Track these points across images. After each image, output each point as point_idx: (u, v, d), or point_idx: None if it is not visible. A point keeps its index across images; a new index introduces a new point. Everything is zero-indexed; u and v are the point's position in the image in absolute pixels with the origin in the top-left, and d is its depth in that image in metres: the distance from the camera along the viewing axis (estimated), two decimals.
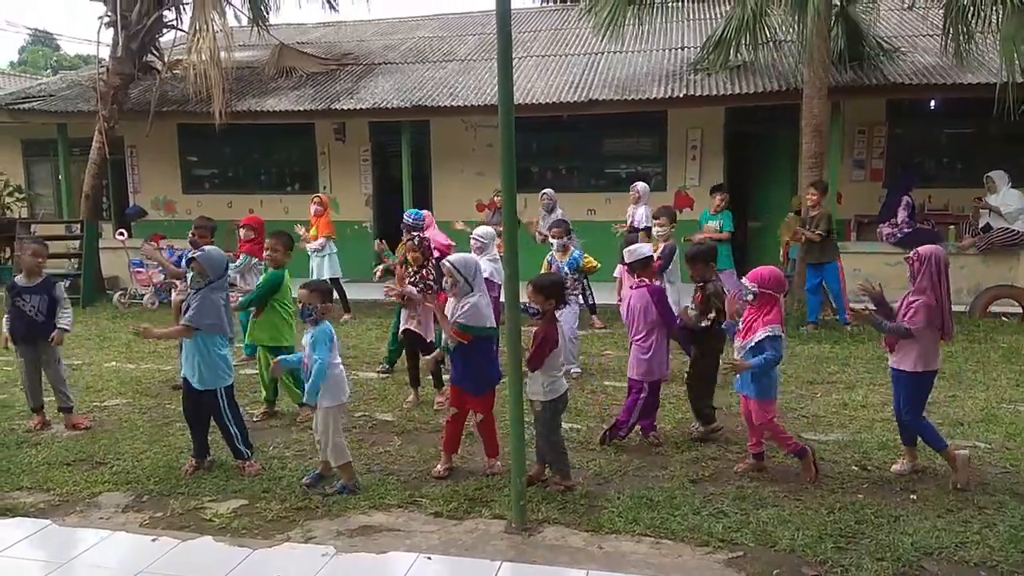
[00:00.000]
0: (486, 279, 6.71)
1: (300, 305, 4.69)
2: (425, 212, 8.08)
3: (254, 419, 6.06)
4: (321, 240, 9.96)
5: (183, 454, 5.28)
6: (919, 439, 4.79)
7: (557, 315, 4.77)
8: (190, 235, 7.44)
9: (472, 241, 7.06)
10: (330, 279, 9.88)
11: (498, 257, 7.09)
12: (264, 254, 6.24)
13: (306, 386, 4.62)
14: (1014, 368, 7.14)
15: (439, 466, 4.94)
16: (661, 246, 7.17)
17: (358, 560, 3.89)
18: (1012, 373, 7.00)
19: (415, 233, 6.88)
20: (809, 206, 8.94)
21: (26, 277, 5.89)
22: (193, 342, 4.89)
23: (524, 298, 4.59)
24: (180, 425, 5.78)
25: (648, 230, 9.30)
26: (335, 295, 10.08)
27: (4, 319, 5.91)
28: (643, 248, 5.74)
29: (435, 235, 7.98)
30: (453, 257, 4.98)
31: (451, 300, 4.95)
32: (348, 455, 4.70)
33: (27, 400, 6.03)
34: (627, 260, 5.64)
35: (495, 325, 5.04)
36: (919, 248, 4.85)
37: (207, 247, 5.30)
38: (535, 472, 4.71)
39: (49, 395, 6.06)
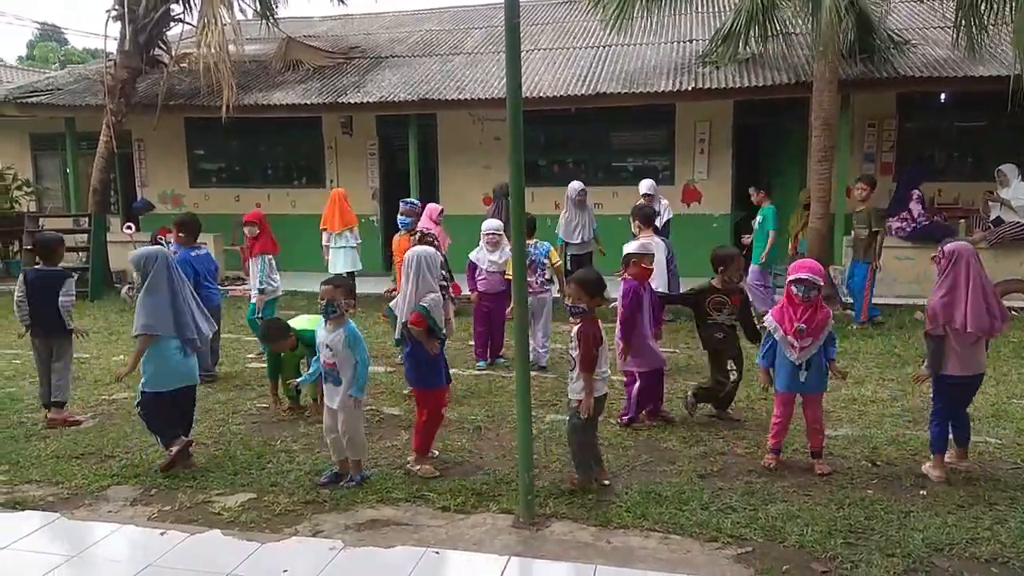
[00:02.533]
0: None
1: (323, 301, 4.62)
2: (432, 206, 8.10)
3: (281, 413, 6.08)
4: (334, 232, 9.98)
5: (190, 447, 5.29)
6: (964, 438, 4.78)
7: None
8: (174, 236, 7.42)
9: (491, 236, 7.09)
10: (347, 272, 9.91)
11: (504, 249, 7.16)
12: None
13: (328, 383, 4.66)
14: None
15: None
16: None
17: (366, 554, 3.88)
18: (1023, 368, 6.95)
19: (419, 229, 6.95)
20: (858, 200, 8.78)
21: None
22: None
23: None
24: None
25: (668, 224, 9.33)
26: None
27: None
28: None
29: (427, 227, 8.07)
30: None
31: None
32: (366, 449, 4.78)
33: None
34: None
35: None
36: (946, 246, 4.61)
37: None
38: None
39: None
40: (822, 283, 4.73)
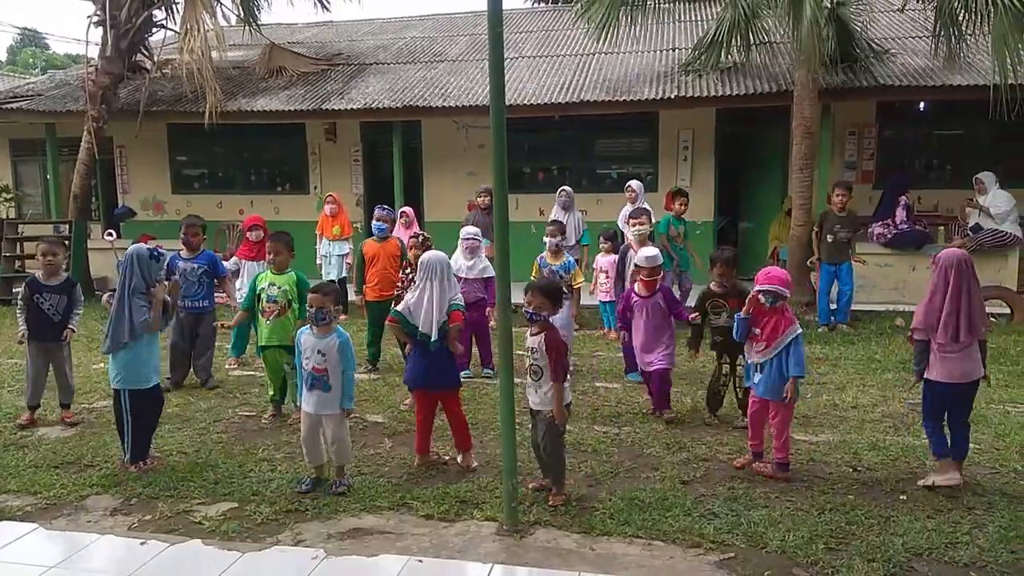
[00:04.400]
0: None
1: (313, 309, 4.65)
2: (407, 209, 8.18)
3: (262, 422, 6.04)
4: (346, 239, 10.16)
5: (171, 456, 5.26)
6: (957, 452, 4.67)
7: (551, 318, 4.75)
8: (181, 236, 7.27)
9: (469, 241, 7.07)
10: (344, 279, 9.96)
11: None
12: (267, 257, 6.20)
13: (335, 392, 4.66)
14: (1002, 369, 7.17)
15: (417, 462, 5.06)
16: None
17: (348, 563, 3.87)
18: (1000, 374, 7.02)
19: (420, 232, 7.05)
20: (838, 209, 8.89)
21: (45, 276, 5.91)
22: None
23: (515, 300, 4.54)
24: (168, 427, 5.77)
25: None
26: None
27: (20, 315, 5.92)
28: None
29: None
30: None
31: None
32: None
33: (27, 395, 6.02)
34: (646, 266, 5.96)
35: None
36: (940, 253, 4.70)
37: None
38: (542, 484, 4.63)
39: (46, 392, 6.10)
40: (788, 294, 4.83)
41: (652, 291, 5.96)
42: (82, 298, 6.11)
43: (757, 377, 4.89)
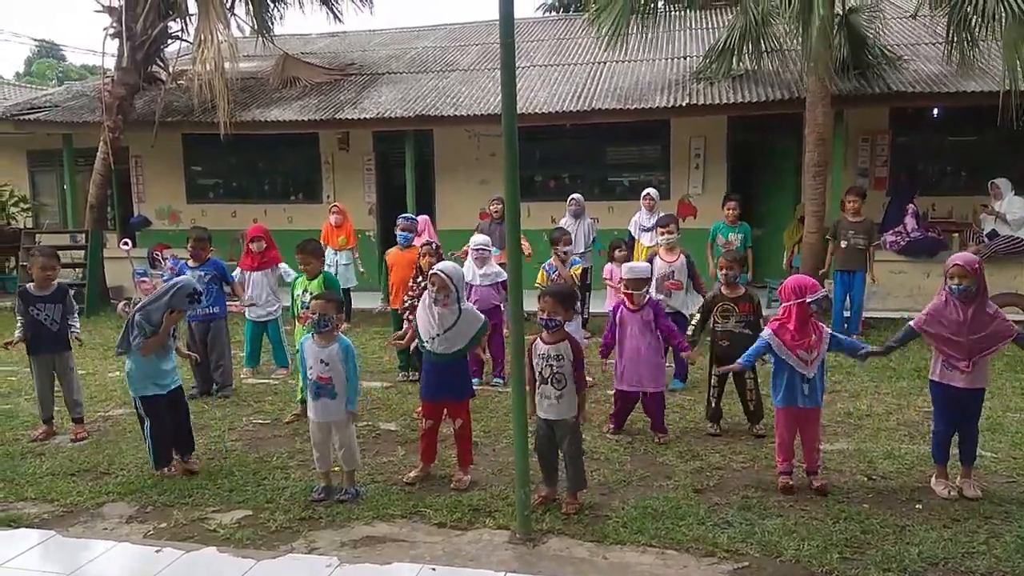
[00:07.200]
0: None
1: (316, 315, 4.68)
2: (422, 217, 8.16)
3: (284, 422, 6.24)
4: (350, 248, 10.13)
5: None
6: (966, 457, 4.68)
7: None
8: (189, 248, 7.35)
9: (479, 252, 7.10)
10: (349, 288, 9.96)
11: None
12: (299, 267, 6.45)
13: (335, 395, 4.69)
14: (1019, 377, 7.11)
15: (412, 472, 5.01)
16: (679, 254, 7.10)
17: (362, 571, 3.87)
18: (1017, 382, 6.98)
19: (431, 240, 7.06)
20: (851, 212, 8.78)
21: (38, 287, 5.92)
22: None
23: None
24: None
25: None
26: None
27: (18, 327, 5.93)
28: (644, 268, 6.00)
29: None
30: (446, 267, 4.91)
31: (436, 309, 4.83)
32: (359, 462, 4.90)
33: (39, 410, 6.03)
34: (627, 277, 5.76)
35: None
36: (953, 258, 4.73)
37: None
38: (548, 494, 4.60)
39: (59, 405, 6.11)
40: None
41: (638, 305, 5.74)
42: (75, 303, 6.13)
43: (807, 388, 4.66)
